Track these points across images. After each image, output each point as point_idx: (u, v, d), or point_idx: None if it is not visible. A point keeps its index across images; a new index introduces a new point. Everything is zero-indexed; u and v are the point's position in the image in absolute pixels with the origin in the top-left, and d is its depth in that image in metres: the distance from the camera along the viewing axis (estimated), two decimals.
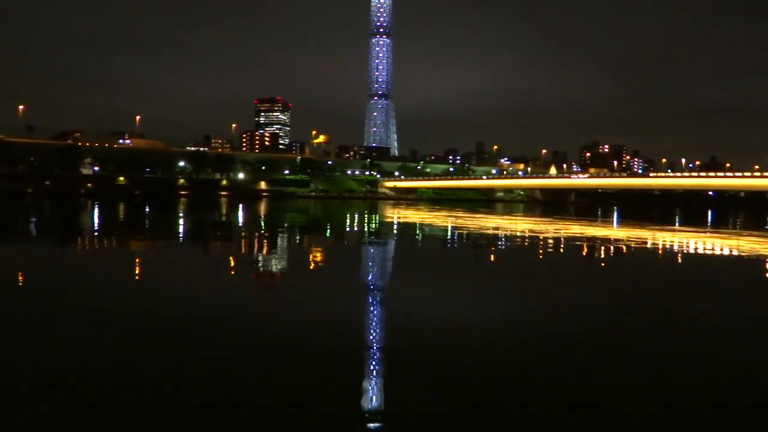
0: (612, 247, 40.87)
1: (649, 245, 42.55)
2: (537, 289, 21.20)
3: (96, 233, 45.51)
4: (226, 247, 36.49)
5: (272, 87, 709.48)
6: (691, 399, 9.86)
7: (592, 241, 45.55)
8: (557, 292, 20.76)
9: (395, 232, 51.92)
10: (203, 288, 20.05)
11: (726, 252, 38.65)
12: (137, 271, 24.63)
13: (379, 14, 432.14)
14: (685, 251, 39.37)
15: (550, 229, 59.17)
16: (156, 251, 32.57)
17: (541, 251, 36.70)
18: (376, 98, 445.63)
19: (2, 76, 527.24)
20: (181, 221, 62.54)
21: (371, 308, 17.29)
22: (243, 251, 33.79)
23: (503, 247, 40.01)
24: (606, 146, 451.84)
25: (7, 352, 11.75)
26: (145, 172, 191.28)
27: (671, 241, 47.04)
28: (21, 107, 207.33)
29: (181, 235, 46.42)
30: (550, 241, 44.70)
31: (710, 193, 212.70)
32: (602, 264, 31.48)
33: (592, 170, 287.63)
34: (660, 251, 38.38)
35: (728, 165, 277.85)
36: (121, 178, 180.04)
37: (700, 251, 39.70)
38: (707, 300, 19.85)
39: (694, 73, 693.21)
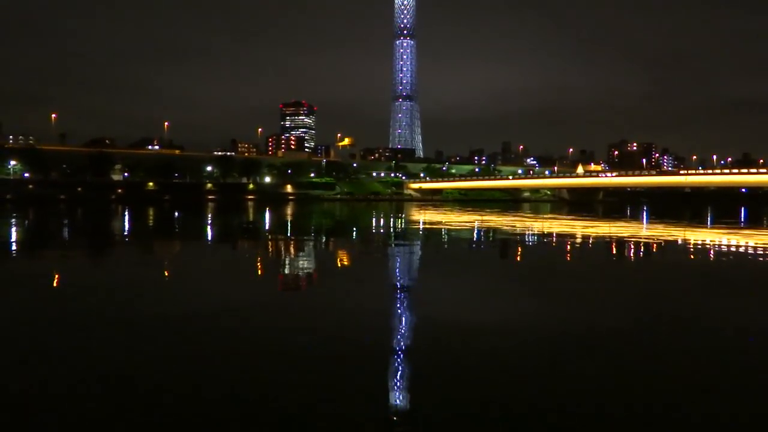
0: (646, 249, 40.29)
1: (681, 246, 41.84)
2: (571, 294, 21.01)
3: (127, 237, 46.38)
4: (254, 250, 36.86)
5: (297, 91, 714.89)
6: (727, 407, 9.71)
7: (623, 242, 44.94)
8: (603, 305, 20.54)
9: (420, 233, 51.88)
10: (231, 290, 20.31)
11: (762, 252, 37.79)
12: (166, 274, 25.06)
13: (402, 16, 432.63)
14: (720, 252, 38.60)
15: (578, 228, 58.54)
16: (185, 254, 33.03)
17: (572, 254, 36.31)
18: (400, 100, 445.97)
19: (36, 85, 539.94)
20: (208, 225, 63.37)
21: (398, 312, 17.34)
22: (270, 254, 34.10)
23: (532, 248, 39.70)
24: (634, 144, 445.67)
25: (45, 355, 12.06)
26: (174, 177, 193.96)
27: (706, 241, 46.15)
28: (53, 115, 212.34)
29: (209, 239, 47.03)
30: (583, 242, 44.21)
31: (743, 190, 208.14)
32: (639, 266, 31.04)
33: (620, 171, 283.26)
34: (693, 252, 37.69)
35: (762, 161, 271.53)
36: (151, 184, 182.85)
37: (735, 252, 38.90)
38: (744, 304, 19.48)
39: (726, 67, 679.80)
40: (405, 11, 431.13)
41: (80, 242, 43.02)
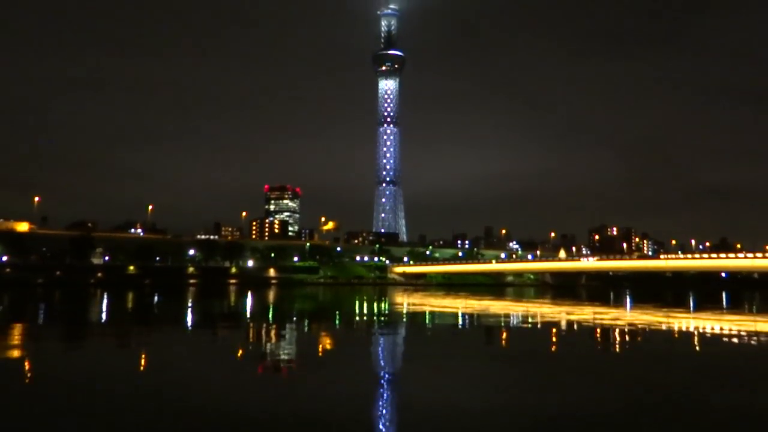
0: (633, 336, 40.01)
1: (669, 332, 41.62)
2: (558, 382, 20.57)
3: (101, 324, 45.16)
4: (232, 337, 35.97)
5: (282, 175, 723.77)
6: None
7: (612, 329, 44.65)
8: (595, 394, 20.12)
9: (404, 320, 51.20)
10: (206, 380, 19.60)
11: (748, 338, 37.66)
12: (142, 363, 24.21)
13: (386, 104, 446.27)
14: (708, 338, 38.41)
15: (563, 314, 58.24)
16: (157, 343, 32.12)
17: (558, 339, 35.92)
18: (384, 184, 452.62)
19: (19, 168, 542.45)
20: (186, 310, 62.14)
21: (380, 400, 16.78)
22: (250, 341, 33.28)
23: (518, 334, 39.25)
24: (614, 229, 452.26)
25: None
26: (155, 261, 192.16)
27: (694, 327, 46.00)
28: (36, 198, 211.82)
29: (187, 325, 45.95)
30: (569, 329, 43.84)
31: (723, 274, 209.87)
32: (632, 356, 30.67)
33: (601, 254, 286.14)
34: (680, 338, 37.46)
35: (739, 246, 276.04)
36: (132, 268, 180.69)
37: (724, 338, 38.73)
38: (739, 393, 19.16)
39: (701, 155, 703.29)
40: (388, 99, 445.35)
41: (48, 330, 41.73)
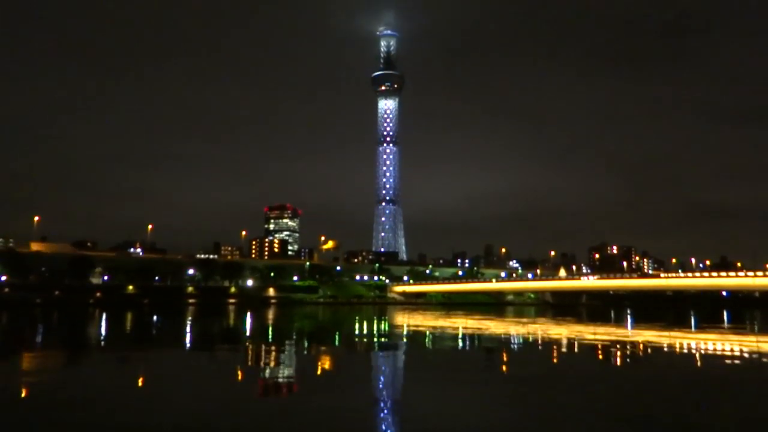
0: (640, 356, 39.71)
1: (672, 353, 41.33)
2: (558, 404, 20.35)
3: (98, 344, 44.83)
4: (230, 359, 35.70)
5: (281, 194, 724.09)
6: None
7: (621, 349, 44.35)
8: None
9: (405, 341, 50.86)
10: (204, 403, 19.38)
11: (750, 357, 37.38)
12: (140, 384, 23.97)
13: (385, 124, 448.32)
14: (712, 359, 38.13)
15: (564, 333, 57.88)
16: (154, 364, 31.86)
17: (559, 361, 35.64)
18: (384, 203, 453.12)
19: (20, 188, 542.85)
20: (185, 331, 61.75)
21: (382, 424, 16.57)
22: (248, 363, 33.01)
23: (519, 356, 38.97)
24: (614, 247, 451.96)
25: None
26: (155, 281, 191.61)
27: (696, 348, 45.71)
28: (36, 218, 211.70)
29: (185, 346, 45.63)
30: (569, 348, 43.53)
31: (724, 293, 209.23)
32: (645, 377, 30.40)
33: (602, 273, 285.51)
34: (684, 359, 37.18)
35: (739, 264, 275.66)
36: (131, 287, 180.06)
37: (728, 359, 38.46)
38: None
39: (701, 174, 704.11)
40: (387, 118, 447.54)
41: (44, 353, 41.42)
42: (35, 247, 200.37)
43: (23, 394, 21.24)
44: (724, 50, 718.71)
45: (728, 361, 34.60)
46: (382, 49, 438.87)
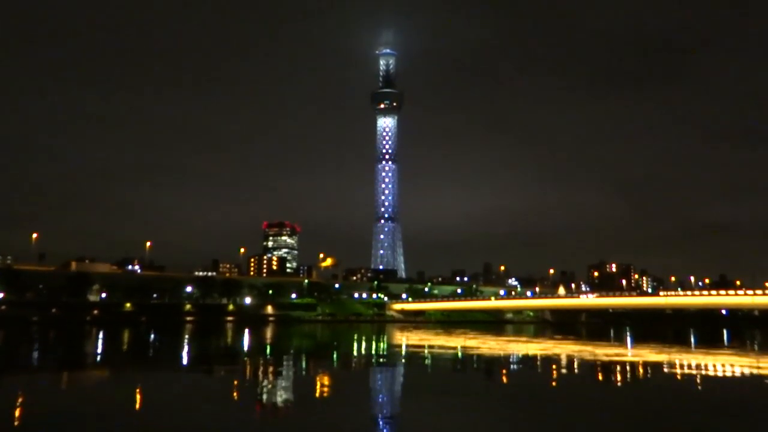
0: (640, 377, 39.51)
1: (672, 373, 41.12)
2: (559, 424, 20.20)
3: (95, 363, 44.52)
4: (228, 377, 35.45)
5: (280, 212, 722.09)
6: None
7: (622, 368, 44.11)
8: None
9: (403, 360, 50.59)
10: (201, 421, 19.21)
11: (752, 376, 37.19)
12: (136, 404, 23.76)
13: (384, 141, 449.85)
14: (713, 379, 37.92)
15: (564, 353, 57.58)
16: (154, 382, 31.62)
17: (559, 382, 35.42)
18: (382, 221, 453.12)
19: (18, 204, 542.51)
20: (182, 349, 61.39)
21: None
22: (246, 381, 32.78)
23: (519, 376, 38.75)
24: (613, 265, 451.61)
25: None
26: (152, 299, 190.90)
27: (696, 366, 45.48)
28: (34, 235, 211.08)
29: (182, 364, 45.33)
30: (569, 367, 43.28)
31: (723, 311, 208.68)
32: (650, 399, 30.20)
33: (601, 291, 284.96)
34: (685, 379, 36.99)
35: (738, 283, 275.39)
36: (128, 305, 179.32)
37: (728, 380, 38.26)
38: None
39: (699, 192, 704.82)
40: (386, 136, 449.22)
41: (40, 371, 41.12)
42: (32, 265, 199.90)
43: (17, 414, 21.05)
44: (726, 69, 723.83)
45: (729, 382, 34.40)
46: (381, 68, 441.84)
